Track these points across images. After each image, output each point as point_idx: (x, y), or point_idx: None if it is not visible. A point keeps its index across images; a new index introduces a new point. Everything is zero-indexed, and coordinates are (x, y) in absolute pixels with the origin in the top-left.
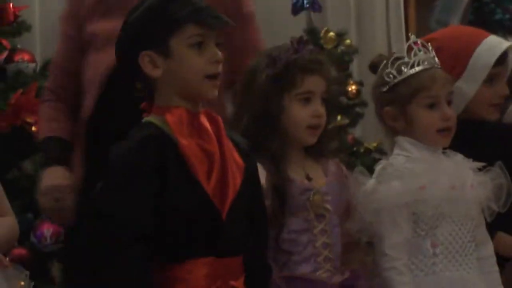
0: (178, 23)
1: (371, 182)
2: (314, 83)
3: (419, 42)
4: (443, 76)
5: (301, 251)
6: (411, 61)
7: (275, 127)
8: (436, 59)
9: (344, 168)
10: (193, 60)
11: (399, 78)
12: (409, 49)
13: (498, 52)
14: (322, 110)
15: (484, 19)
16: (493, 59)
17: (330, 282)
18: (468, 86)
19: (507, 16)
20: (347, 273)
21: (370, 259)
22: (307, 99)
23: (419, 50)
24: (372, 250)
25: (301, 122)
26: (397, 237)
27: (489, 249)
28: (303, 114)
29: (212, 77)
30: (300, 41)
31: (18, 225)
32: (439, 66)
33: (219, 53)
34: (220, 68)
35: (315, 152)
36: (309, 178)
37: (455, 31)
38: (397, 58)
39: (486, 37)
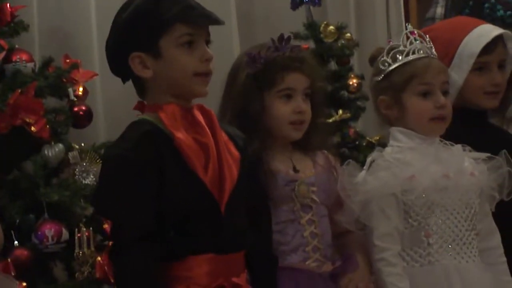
0: (166, 24)
1: (361, 174)
2: (295, 80)
3: (415, 31)
4: (437, 65)
5: (289, 242)
6: (407, 50)
7: (257, 124)
8: (433, 49)
9: (333, 159)
10: (183, 59)
11: (394, 65)
12: (406, 38)
13: (484, 41)
14: (304, 106)
15: (484, 16)
16: (478, 49)
17: (320, 271)
18: (457, 74)
19: (509, 12)
20: (338, 262)
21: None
22: (288, 96)
23: (415, 40)
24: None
25: (283, 118)
26: (386, 227)
27: (495, 240)
28: (285, 110)
29: (202, 74)
30: (281, 39)
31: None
32: (435, 56)
33: (209, 51)
34: (210, 66)
35: (303, 146)
36: (295, 170)
37: (450, 21)
38: (393, 47)
39: (478, 26)
